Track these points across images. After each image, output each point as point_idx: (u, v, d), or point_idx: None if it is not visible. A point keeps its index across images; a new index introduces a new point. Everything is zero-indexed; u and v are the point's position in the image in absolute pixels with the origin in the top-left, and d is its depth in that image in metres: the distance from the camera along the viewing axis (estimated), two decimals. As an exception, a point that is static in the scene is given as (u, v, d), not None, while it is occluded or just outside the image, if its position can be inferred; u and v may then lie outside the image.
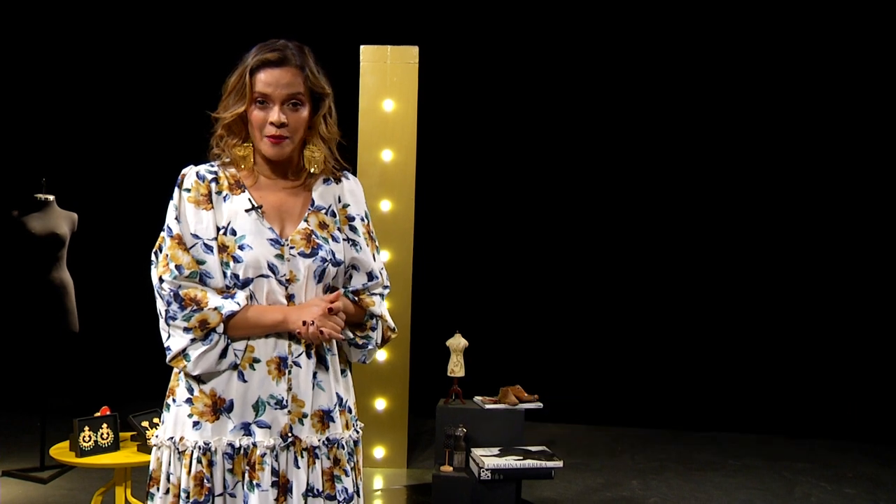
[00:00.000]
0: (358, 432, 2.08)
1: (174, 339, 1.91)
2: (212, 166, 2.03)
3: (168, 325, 1.91)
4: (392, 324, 2.13)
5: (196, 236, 1.93)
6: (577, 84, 6.39)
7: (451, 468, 4.15)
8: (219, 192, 1.98)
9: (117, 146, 6.75)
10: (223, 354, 1.91)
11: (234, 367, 1.92)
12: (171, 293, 1.90)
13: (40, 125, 6.68)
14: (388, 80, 5.12)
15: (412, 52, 5.12)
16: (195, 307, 1.88)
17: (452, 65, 6.21)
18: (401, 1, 6.27)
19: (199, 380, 1.94)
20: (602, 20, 6.35)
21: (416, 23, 6.07)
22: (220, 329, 1.89)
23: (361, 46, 5.13)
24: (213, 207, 1.96)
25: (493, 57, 6.41)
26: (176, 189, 1.98)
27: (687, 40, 6.26)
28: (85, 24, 6.63)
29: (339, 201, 2.07)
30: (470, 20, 6.39)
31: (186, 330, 1.88)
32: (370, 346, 2.08)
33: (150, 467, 1.99)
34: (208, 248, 1.93)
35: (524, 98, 6.44)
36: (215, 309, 1.88)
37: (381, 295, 2.11)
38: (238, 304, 1.89)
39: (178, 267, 1.90)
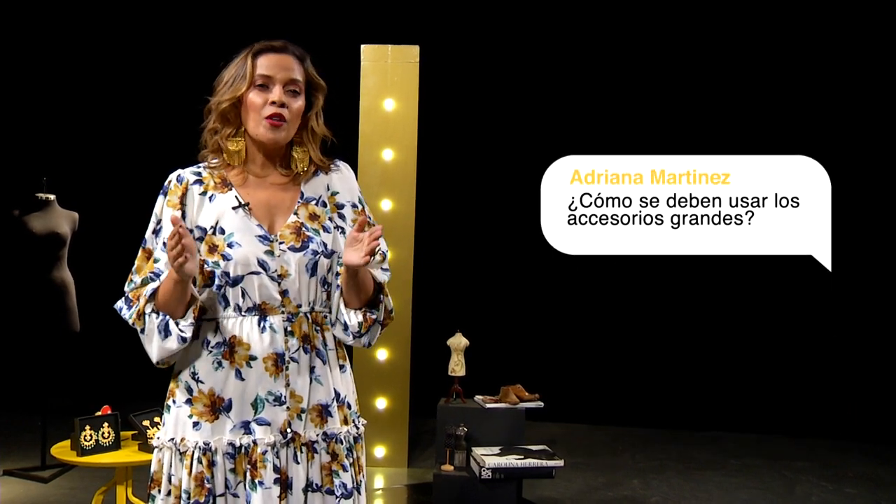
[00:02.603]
0: (358, 428, 2.06)
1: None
2: (197, 167, 2.04)
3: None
4: (391, 305, 2.07)
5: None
6: (579, 83, 6.39)
7: (451, 467, 4.15)
8: (203, 193, 1.99)
9: (118, 145, 6.75)
10: (165, 333, 1.90)
11: (183, 341, 1.90)
12: (124, 300, 1.98)
13: (41, 124, 6.68)
14: (389, 79, 5.12)
15: (413, 51, 5.12)
16: (136, 303, 1.95)
17: (453, 64, 6.21)
18: (401, 0, 6.26)
19: (198, 380, 1.94)
20: (603, 19, 6.35)
21: (416, 22, 6.07)
22: (149, 309, 1.91)
23: (362, 46, 5.13)
24: (182, 207, 1.97)
25: (493, 56, 6.41)
26: (160, 196, 2.01)
27: (687, 43, 6.27)
28: (85, 23, 6.63)
29: (328, 189, 2.06)
30: (471, 19, 6.39)
31: (141, 330, 1.94)
32: (375, 325, 2.01)
33: (151, 469, 1.98)
34: (165, 245, 1.94)
35: (525, 97, 6.44)
36: (144, 295, 1.93)
37: (387, 275, 2.06)
38: (160, 280, 1.92)
39: (138, 279, 1.98)
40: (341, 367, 2.05)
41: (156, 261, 1.96)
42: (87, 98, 6.72)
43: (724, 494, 4.79)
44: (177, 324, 1.90)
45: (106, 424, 3.56)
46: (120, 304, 1.99)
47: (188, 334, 1.91)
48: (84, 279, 5.05)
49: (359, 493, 2.02)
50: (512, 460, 3.99)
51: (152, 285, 1.93)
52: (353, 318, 1.99)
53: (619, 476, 5.10)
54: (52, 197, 4.82)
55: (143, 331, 1.93)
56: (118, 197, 6.58)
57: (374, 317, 2.00)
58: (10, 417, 5.95)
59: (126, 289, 1.99)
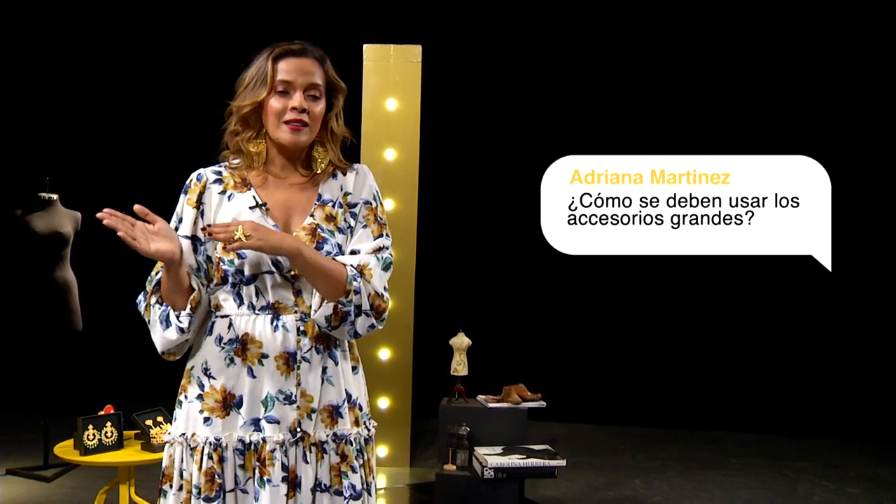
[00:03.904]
0: (369, 430, 2.06)
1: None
2: (218, 166, 2.06)
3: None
4: (380, 290, 1.96)
5: (185, 236, 1.99)
6: (579, 83, 6.39)
7: (454, 467, 4.16)
8: (223, 192, 2.01)
9: (121, 145, 6.75)
10: (167, 323, 1.94)
11: (181, 332, 1.94)
12: (143, 292, 2.01)
13: (44, 124, 6.68)
14: (391, 79, 5.13)
15: (415, 51, 5.13)
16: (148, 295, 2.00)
17: (455, 64, 6.22)
18: (404, 0, 6.27)
19: (210, 376, 1.95)
20: (603, 19, 6.36)
21: (419, 22, 6.08)
22: (154, 300, 1.95)
23: (364, 45, 5.13)
24: (197, 206, 2.00)
25: (496, 55, 6.42)
26: (181, 195, 2.04)
27: (687, 43, 6.28)
28: (89, 22, 6.64)
29: (342, 190, 2.07)
30: (473, 19, 6.39)
31: (148, 321, 1.98)
32: (351, 315, 1.91)
33: (163, 464, 2.00)
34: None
35: (527, 96, 6.44)
36: (150, 286, 1.98)
37: (378, 259, 1.99)
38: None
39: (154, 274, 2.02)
40: (353, 368, 2.05)
41: None
42: (89, 98, 6.72)
43: (725, 494, 4.79)
44: (177, 315, 1.93)
45: (109, 424, 3.57)
46: (140, 297, 2.02)
47: (185, 325, 1.93)
48: (87, 279, 5.05)
49: (369, 494, 2.02)
50: (514, 460, 4.00)
51: (156, 277, 1.97)
52: (322, 311, 1.92)
53: (621, 476, 5.10)
54: (54, 196, 4.83)
55: (149, 321, 1.97)
56: (121, 197, 6.55)
57: (345, 309, 1.91)
58: (12, 417, 5.96)
59: (147, 283, 2.02)
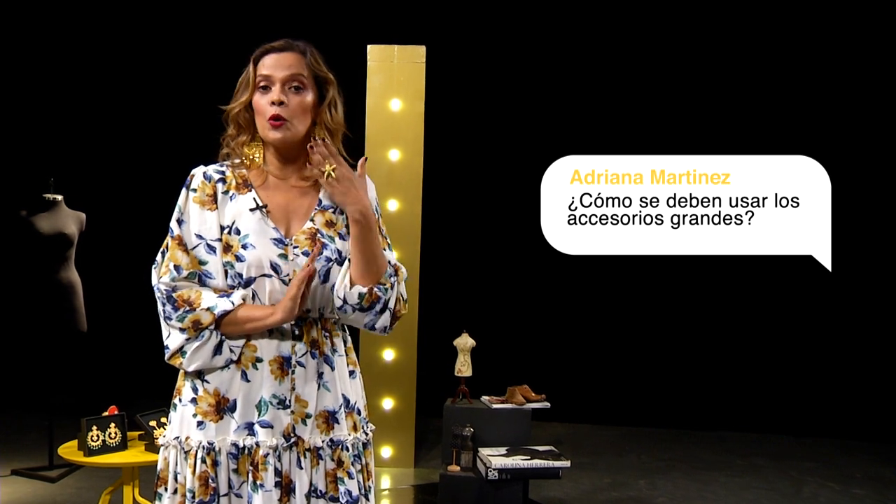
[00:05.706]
0: (367, 434, 2.05)
1: (171, 337, 1.93)
2: (221, 166, 2.02)
3: (167, 323, 1.94)
4: (405, 294, 2.02)
5: (200, 237, 1.94)
6: (579, 83, 6.39)
7: (458, 468, 4.16)
8: (225, 192, 1.98)
9: (125, 146, 6.77)
10: (217, 351, 1.91)
11: (231, 362, 1.92)
12: (166, 294, 1.92)
13: (48, 125, 6.71)
14: (395, 79, 5.13)
15: (419, 51, 5.13)
16: (188, 308, 1.90)
17: (459, 64, 6.22)
18: (408, 1, 6.28)
19: (204, 379, 1.94)
20: (604, 20, 6.36)
21: (423, 22, 6.09)
22: (212, 327, 1.90)
23: (368, 46, 5.14)
24: (217, 208, 1.96)
25: (498, 56, 6.42)
26: (183, 189, 1.99)
27: (687, 43, 6.27)
28: (93, 23, 6.66)
29: None
30: (477, 19, 6.40)
31: (182, 330, 1.91)
32: (380, 304, 1.94)
33: (158, 467, 1.99)
34: (211, 248, 1.94)
35: (531, 97, 6.45)
36: (208, 309, 1.89)
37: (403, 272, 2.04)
38: (232, 303, 1.90)
39: (176, 268, 1.93)
40: (351, 373, 2.04)
41: (202, 263, 1.94)
42: (94, 99, 6.74)
43: (730, 494, 4.79)
44: (230, 347, 1.92)
45: (113, 425, 3.58)
46: (162, 298, 1.93)
47: (236, 357, 1.92)
48: (91, 279, 5.07)
49: (367, 499, 2.01)
50: (518, 461, 4.00)
51: (223, 307, 1.89)
52: (357, 288, 1.93)
53: (625, 476, 5.10)
54: (59, 197, 4.84)
55: (189, 340, 1.90)
56: (125, 197, 6.61)
57: (379, 293, 1.95)
58: (17, 417, 5.98)
59: (165, 279, 1.93)
